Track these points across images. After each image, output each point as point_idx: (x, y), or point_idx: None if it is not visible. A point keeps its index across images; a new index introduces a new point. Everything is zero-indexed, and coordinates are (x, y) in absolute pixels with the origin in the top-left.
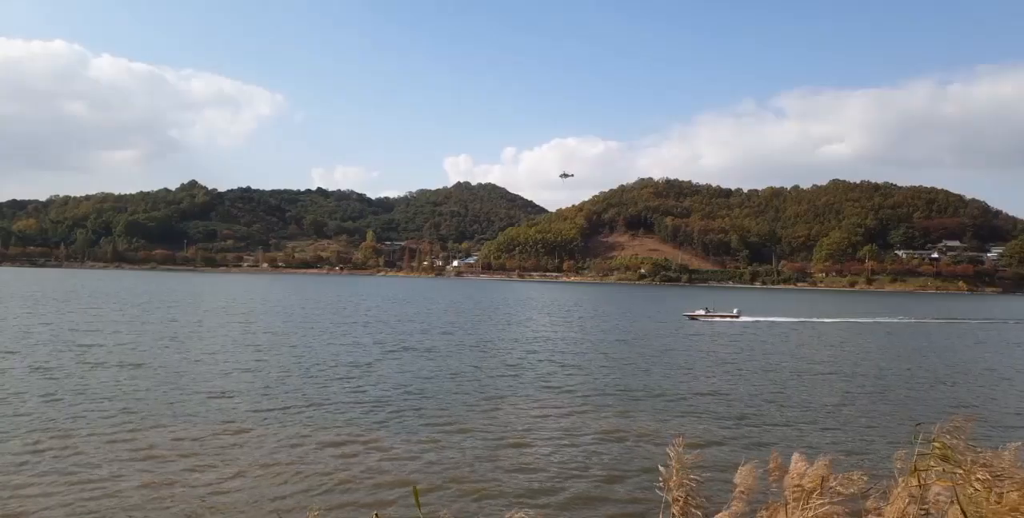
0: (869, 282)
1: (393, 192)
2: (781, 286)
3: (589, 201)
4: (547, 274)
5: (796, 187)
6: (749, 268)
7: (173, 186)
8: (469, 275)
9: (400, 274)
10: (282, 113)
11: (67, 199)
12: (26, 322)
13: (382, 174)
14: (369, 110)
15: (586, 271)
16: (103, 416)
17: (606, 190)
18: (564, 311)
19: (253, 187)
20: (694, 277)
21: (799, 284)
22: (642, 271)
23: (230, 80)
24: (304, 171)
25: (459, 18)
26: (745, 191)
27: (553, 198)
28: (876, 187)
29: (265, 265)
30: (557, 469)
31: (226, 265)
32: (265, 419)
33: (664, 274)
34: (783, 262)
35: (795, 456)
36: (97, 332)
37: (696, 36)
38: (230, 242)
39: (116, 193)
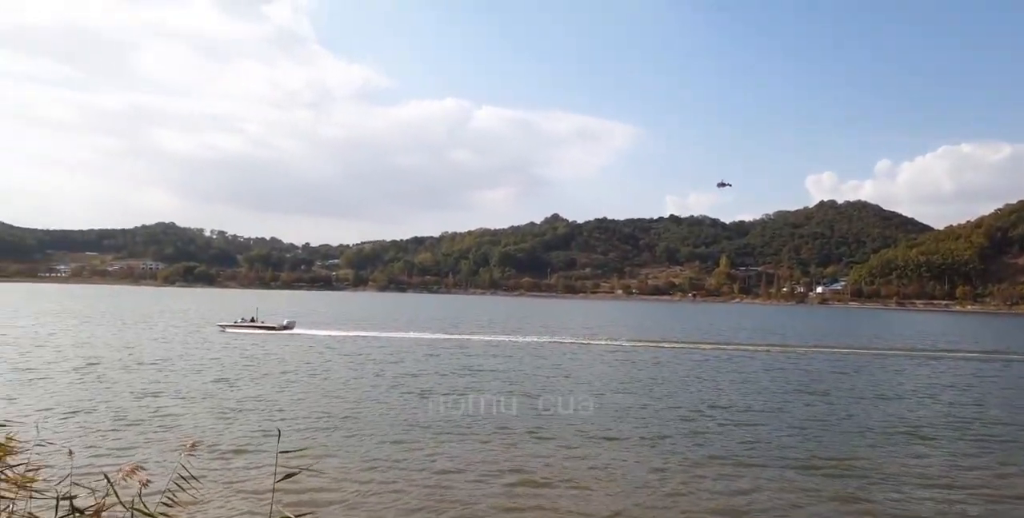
0: None
1: (748, 215)
2: None
3: (990, 216)
4: (933, 302)
5: None
6: None
7: (538, 219)
8: (835, 303)
9: (757, 301)
10: (637, 144)
11: (454, 234)
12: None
13: (737, 198)
14: (724, 135)
15: (987, 299)
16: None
17: (1013, 202)
18: None
19: (608, 217)
20: None
21: None
22: None
23: (591, 118)
24: (657, 198)
25: (817, 28)
26: None
27: (940, 213)
28: None
29: (619, 291)
30: None
31: (584, 292)
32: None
33: None
34: None
35: None
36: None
37: None
38: (588, 270)
39: (492, 228)
